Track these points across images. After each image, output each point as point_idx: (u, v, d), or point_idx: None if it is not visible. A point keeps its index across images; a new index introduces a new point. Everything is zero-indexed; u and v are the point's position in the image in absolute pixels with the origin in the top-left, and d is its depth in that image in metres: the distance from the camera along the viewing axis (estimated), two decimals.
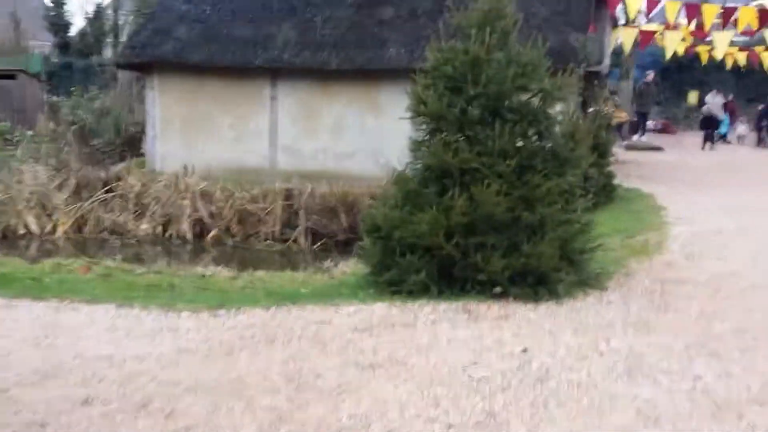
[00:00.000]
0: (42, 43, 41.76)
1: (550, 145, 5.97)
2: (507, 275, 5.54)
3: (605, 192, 11.03)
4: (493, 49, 5.91)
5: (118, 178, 13.90)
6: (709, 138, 20.59)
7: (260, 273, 7.39)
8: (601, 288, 5.97)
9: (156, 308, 5.52)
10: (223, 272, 7.36)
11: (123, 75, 21.25)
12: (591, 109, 12.66)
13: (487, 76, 5.81)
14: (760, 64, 19.98)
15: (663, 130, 24.93)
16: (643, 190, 12.48)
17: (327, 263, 8.14)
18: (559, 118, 6.43)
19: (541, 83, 6.01)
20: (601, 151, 10.96)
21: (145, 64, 14.78)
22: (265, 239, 13.02)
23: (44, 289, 6.24)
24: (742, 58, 20.16)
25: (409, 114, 6.10)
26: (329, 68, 13.67)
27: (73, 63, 32.53)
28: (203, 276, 7.19)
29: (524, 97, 6.02)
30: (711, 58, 21.18)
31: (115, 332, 4.92)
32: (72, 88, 23.50)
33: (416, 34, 12.98)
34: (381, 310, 5.37)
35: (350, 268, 7.63)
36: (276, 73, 14.21)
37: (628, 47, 17.85)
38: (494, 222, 5.59)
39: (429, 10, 13.47)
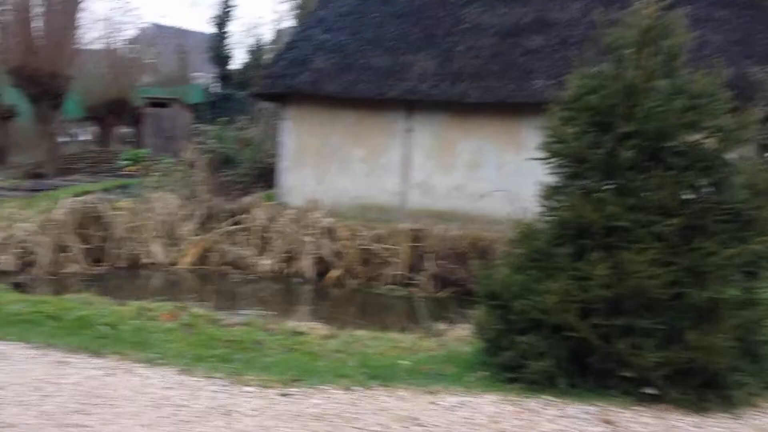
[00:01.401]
0: (208, 75, 43.75)
1: (728, 200, 4.53)
2: (663, 373, 4.16)
3: None
4: (654, 75, 4.60)
5: (246, 211, 13.48)
6: None
7: (361, 333, 6.36)
8: None
9: (222, 377, 4.62)
10: (318, 329, 6.40)
11: (269, 106, 21.27)
12: None
13: (646, 110, 4.51)
14: None
15: None
16: None
17: (442, 325, 6.97)
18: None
19: (717, 120, 4.61)
20: None
21: (281, 94, 14.42)
22: (389, 283, 12.05)
23: (115, 339, 5.55)
24: None
25: (542, 154, 4.88)
26: (468, 100, 12.62)
27: (234, 94, 33.55)
28: (295, 332, 6.26)
29: (694, 137, 4.64)
30: None
31: (159, 410, 4.04)
32: (224, 118, 24.06)
33: (567, 65, 11.62)
34: (489, 405, 4.16)
35: (468, 331, 6.44)
36: (412, 104, 13.34)
37: None
38: (648, 299, 4.24)
39: (582, 38, 12.11)
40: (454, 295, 11.40)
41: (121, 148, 26.52)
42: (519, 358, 4.49)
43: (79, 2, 25.36)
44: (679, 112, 4.50)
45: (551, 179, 4.98)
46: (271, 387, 4.45)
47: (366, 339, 6.13)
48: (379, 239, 12.40)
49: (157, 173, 15.54)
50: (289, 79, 14.01)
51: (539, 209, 5.00)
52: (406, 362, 5.30)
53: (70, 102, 25.14)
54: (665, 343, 4.19)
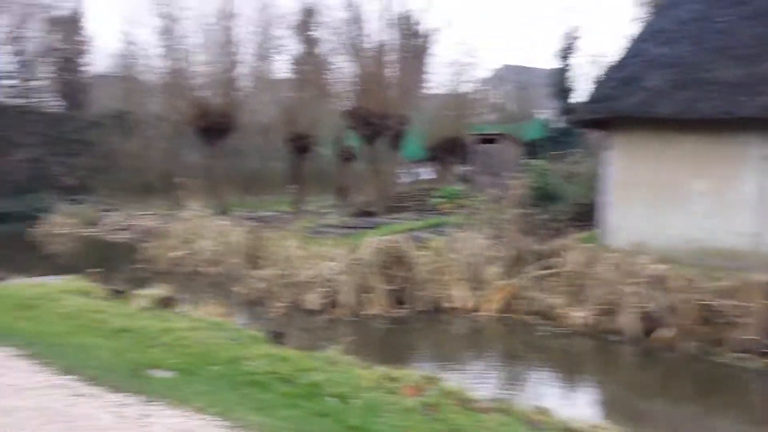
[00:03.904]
0: (550, 110, 42.96)
1: None
2: None
3: None
4: None
5: (558, 253, 11.85)
6: None
7: None
8: None
9: None
10: (605, 429, 4.57)
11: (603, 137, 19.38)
12: None
13: None
14: None
15: None
16: None
17: None
18: None
19: None
20: None
21: (606, 120, 12.55)
22: (737, 350, 9.39)
23: (335, 420, 4.45)
24: None
25: None
26: None
27: (574, 128, 32.04)
28: (567, 430, 4.52)
29: None
30: None
31: None
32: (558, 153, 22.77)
33: None
34: None
35: None
36: None
37: None
38: None
39: None
40: None
41: (450, 185, 26.54)
42: None
43: (427, 49, 26.28)
44: None
45: None
46: None
47: None
48: (724, 293, 9.84)
49: (467, 211, 14.67)
50: (613, 101, 12.11)
51: None
52: None
53: (412, 142, 26.01)
54: None
